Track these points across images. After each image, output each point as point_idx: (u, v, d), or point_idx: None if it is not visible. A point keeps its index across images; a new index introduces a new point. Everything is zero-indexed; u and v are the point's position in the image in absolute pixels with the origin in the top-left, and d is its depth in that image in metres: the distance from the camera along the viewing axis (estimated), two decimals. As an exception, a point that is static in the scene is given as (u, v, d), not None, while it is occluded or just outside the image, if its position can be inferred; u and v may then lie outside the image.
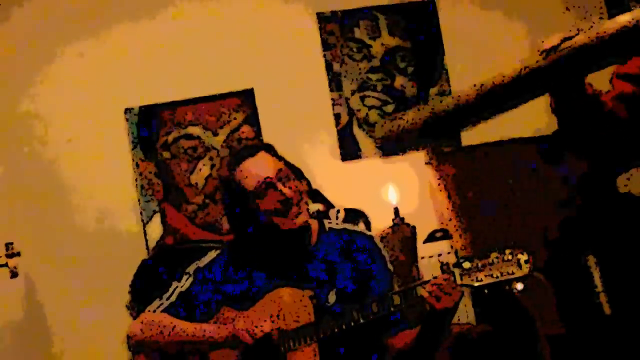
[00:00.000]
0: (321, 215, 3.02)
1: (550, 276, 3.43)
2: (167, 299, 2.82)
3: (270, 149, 2.79)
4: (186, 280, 2.82)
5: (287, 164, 2.77)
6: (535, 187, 4.17)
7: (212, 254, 2.87)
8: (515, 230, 4.01)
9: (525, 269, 2.38)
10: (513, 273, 2.39)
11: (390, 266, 2.81)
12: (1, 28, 4.19)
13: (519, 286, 2.39)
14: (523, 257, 2.39)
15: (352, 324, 2.56)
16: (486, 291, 2.43)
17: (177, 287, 2.83)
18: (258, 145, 2.86)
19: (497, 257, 2.41)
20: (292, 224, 2.70)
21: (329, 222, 2.88)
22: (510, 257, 2.40)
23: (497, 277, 2.40)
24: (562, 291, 3.18)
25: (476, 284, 2.43)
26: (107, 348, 3.99)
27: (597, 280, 3.42)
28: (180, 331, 2.73)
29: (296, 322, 2.62)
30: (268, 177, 2.69)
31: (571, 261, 3.56)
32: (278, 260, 2.76)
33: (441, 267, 2.49)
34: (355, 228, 2.92)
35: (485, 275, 2.41)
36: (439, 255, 3.95)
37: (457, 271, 2.45)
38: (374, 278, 2.74)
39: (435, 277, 2.49)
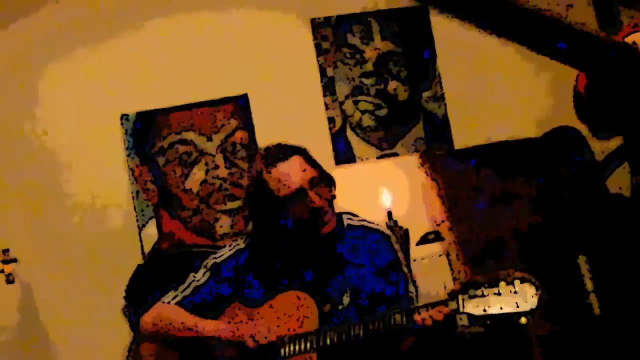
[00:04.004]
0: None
1: (541, 276, 3.45)
2: (182, 291, 2.83)
3: (303, 153, 2.75)
4: (203, 275, 2.82)
5: (321, 171, 2.75)
6: (526, 188, 4.19)
7: (230, 250, 2.86)
8: (507, 232, 4.03)
9: (532, 303, 2.33)
10: (519, 307, 2.34)
11: (405, 268, 2.78)
12: (0, 39, 4.21)
13: (523, 320, 2.34)
14: (531, 291, 2.34)
15: (352, 338, 2.56)
16: (488, 322, 2.39)
17: (193, 280, 2.83)
18: (292, 148, 2.77)
19: (505, 287, 2.36)
20: (321, 232, 2.70)
21: (348, 218, 2.84)
22: (518, 288, 2.35)
23: (502, 309, 2.36)
24: (553, 291, 3.19)
25: (479, 314, 2.39)
26: (103, 353, 4.03)
27: (588, 281, 3.44)
28: (190, 327, 2.75)
29: (300, 328, 2.63)
30: (302, 186, 2.67)
31: (562, 261, 3.58)
32: (299, 264, 2.75)
33: (448, 294, 2.45)
34: (373, 225, 2.86)
35: (490, 306, 2.37)
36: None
37: (462, 298, 2.42)
38: (389, 279, 2.74)
39: (436, 304, 2.47)
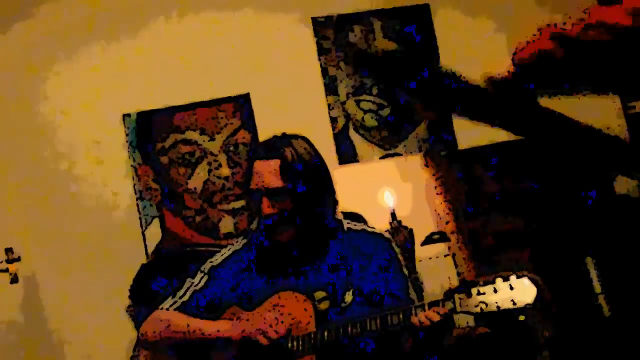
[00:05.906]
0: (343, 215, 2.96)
1: (548, 278, 3.46)
2: (180, 297, 2.82)
3: (284, 161, 2.69)
4: (201, 279, 2.82)
5: (294, 185, 2.70)
6: (530, 187, 4.20)
7: (227, 252, 2.87)
8: (513, 232, 4.04)
9: (529, 299, 2.31)
10: (515, 303, 2.33)
11: (405, 270, 2.79)
12: (4, 39, 4.21)
13: (521, 317, 2.34)
14: (528, 286, 2.33)
15: (350, 338, 2.57)
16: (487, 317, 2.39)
17: (190, 285, 2.83)
18: (276, 151, 2.72)
19: (501, 283, 2.36)
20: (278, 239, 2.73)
21: (348, 223, 2.85)
22: (514, 284, 2.34)
23: (499, 307, 2.36)
24: (561, 293, 3.21)
25: (477, 312, 2.38)
26: (107, 352, 4.02)
27: (596, 282, 3.44)
28: (193, 329, 2.73)
29: (297, 329, 2.63)
30: (259, 189, 2.70)
31: (570, 263, 3.58)
32: (299, 262, 2.77)
33: (445, 294, 2.45)
34: (374, 230, 2.87)
35: (486, 304, 2.37)
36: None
37: (459, 297, 2.42)
38: (390, 281, 2.74)
39: (433, 304, 2.48)
